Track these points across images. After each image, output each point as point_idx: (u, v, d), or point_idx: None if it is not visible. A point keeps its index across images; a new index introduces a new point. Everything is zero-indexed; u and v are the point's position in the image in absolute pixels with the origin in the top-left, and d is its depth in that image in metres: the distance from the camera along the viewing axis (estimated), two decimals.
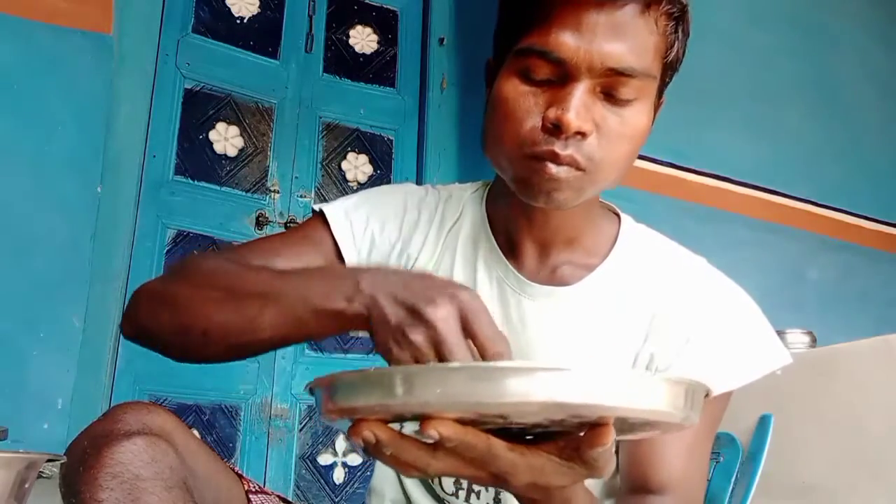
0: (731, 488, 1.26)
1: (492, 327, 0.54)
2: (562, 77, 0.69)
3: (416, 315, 0.53)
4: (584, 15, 0.67)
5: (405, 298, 0.55)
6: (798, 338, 1.68)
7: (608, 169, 0.71)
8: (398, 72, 2.70)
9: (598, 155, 0.70)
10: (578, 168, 0.69)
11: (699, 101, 2.53)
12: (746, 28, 2.77)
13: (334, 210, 0.87)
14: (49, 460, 0.61)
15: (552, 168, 0.69)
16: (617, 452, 0.79)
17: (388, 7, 2.74)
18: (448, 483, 0.84)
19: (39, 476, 0.62)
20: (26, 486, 0.59)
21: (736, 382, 0.76)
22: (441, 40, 2.73)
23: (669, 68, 0.74)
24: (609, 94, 0.70)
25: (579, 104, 0.68)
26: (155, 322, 0.72)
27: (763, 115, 2.73)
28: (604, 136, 0.70)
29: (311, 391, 0.51)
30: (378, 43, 2.70)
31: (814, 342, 1.70)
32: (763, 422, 1.32)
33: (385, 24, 2.73)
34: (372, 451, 0.49)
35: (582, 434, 0.48)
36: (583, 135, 0.68)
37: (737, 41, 2.71)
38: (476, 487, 0.83)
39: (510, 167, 0.72)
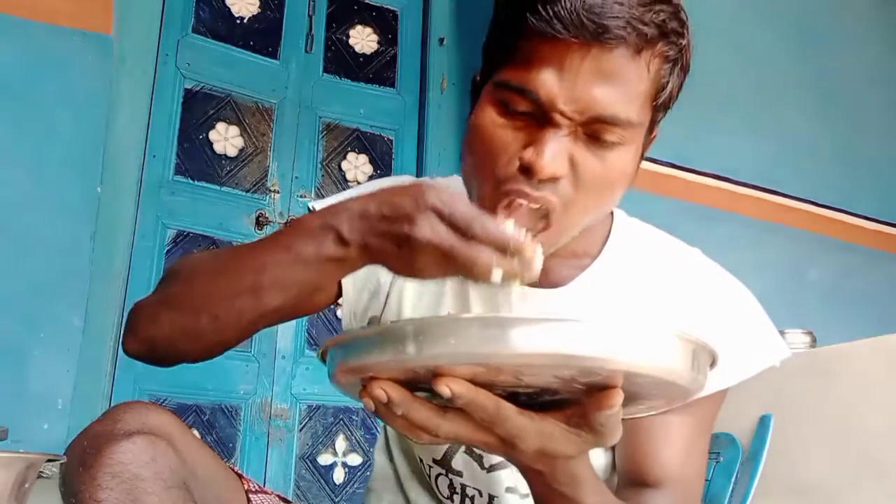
0: (731, 488, 1.26)
1: (464, 212, 0.54)
2: (540, 116, 0.65)
3: (407, 241, 0.54)
4: (569, 56, 0.62)
5: (388, 230, 0.56)
6: (798, 338, 1.68)
7: (584, 211, 0.68)
8: (398, 72, 2.70)
9: (572, 197, 0.66)
10: (552, 209, 0.66)
11: (699, 101, 2.52)
12: (747, 28, 2.77)
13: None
14: (49, 460, 0.61)
15: (526, 204, 0.66)
16: (613, 447, 0.79)
17: (388, 7, 2.74)
18: (444, 487, 0.84)
19: (39, 476, 0.62)
20: (26, 486, 0.59)
21: (734, 378, 0.76)
22: (441, 40, 2.73)
23: (661, 108, 0.70)
24: (591, 137, 0.65)
25: (556, 149, 0.64)
26: (159, 328, 0.70)
27: (763, 115, 2.73)
28: (580, 178, 0.66)
29: (323, 356, 0.51)
30: (378, 43, 2.70)
31: (814, 342, 1.70)
32: (763, 422, 1.32)
33: (385, 24, 2.73)
34: (382, 414, 0.49)
35: (589, 399, 0.48)
36: (555, 179, 0.65)
37: (737, 41, 2.71)
38: (469, 493, 0.82)
39: (485, 200, 0.69)
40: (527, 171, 0.65)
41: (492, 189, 0.68)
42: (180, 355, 0.71)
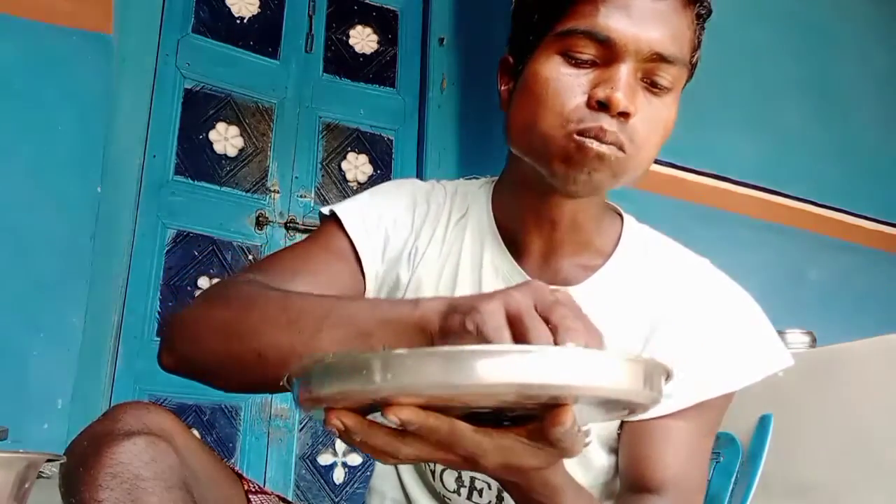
0: (731, 488, 1.26)
1: (532, 314, 0.51)
2: (607, 59, 0.70)
3: (469, 311, 0.53)
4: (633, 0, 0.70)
5: (461, 303, 0.55)
6: (798, 338, 1.68)
7: (645, 154, 0.73)
8: (398, 72, 2.70)
9: (638, 138, 0.71)
10: (621, 149, 0.70)
11: (699, 101, 2.52)
12: (746, 27, 2.76)
13: (348, 211, 0.86)
14: (49, 460, 0.61)
15: (596, 145, 0.69)
16: (616, 451, 0.79)
17: (388, 7, 2.74)
18: (450, 480, 0.84)
19: (39, 476, 0.62)
20: (26, 486, 0.59)
21: (737, 384, 0.76)
22: (441, 40, 2.73)
23: (692, 69, 0.76)
24: (648, 82, 0.72)
25: (626, 85, 0.69)
26: (201, 350, 0.68)
27: (763, 114, 2.73)
28: (643, 120, 0.71)
29: (289, 382, 0.51)
30: (378, 43, 2.70)
31: (814, 342, 1.70)
32: (763, 422, 1.32)
33: (385, 24, 2.73)
34: (344, 439, 0.50)
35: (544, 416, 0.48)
36: (627, 116, 0.70)
37: (737, 40, 2.71)
38: (478, 485, 0.82)
39: (550, 147, 0.72)
40: (602, 107, 0.69)
41: (563, 132, 0.71)
42: (217, 383, 0.70)
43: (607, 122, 0.69)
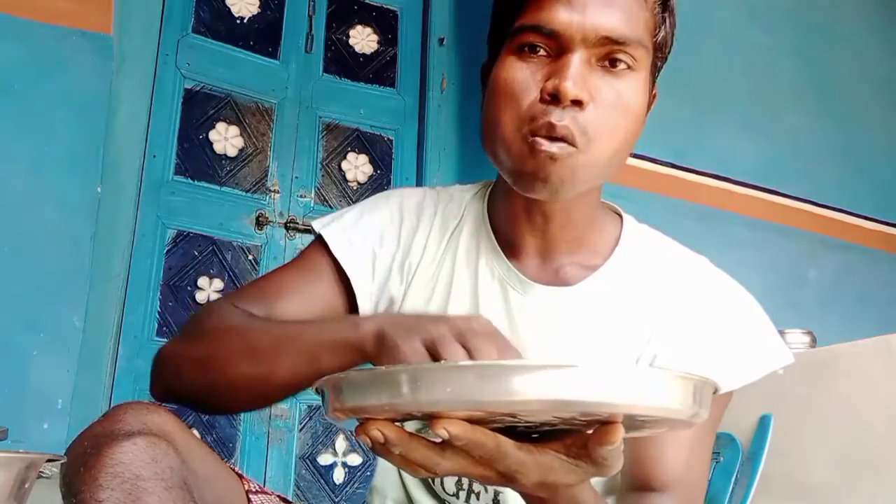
0: (731, 488, 1.26)
1: (487, 344, 0.54)
2: (557, 50, 0.70)
3: (417, 330, 0.56)
4: None
5: (408, 324, 0.57)
6: (798, 338, 1.68)
7: (603, 145, 0.70)
8: (398, 72, 2.70)
9: (592, 127, 0.69)
10: (572, 144, 0.69)
11: (699, 101, 2.53)
12: (746, 27, 2.77)
13: (333, 233, 0.86)
14: (49, 460, 0.61)
15: (546, 145, 0.68)
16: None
17: (388, 7, 2.74)
18: (449, 483, 0.84)
19: (39, 476, 0.62)
20: (26, 486, 0.59)
21: (738, 382, 0.76)
22: (441, 40, 2.73)
23: (659, 50, 0.75)
24: (604, 64, 0.70)
25: (576, 73, 0.68)
26: (182, 384, 0.75)
27: (763, 115, 2.73)
28: (599, 107, 0.70)
29: (318, 391, 0.51)
30: (378, 43, 2.70)
31: (814, 342, 1.71)
32: (763, 422, 1.32)
33: (385, 24, 2.73)
34: (380, 451, 0.49)
35: (590, 432, 0.47)
36: (580, 104, 0.68)
37: (737, 41, 2.71)
38: (476, 488, 0.82)
39: (507, 153, 0.72)
40: (551, 100, 0.68)
41: (517, 135, 0.71)
42: (204, 409, 0.77)
43: (557, 116, 0.68)
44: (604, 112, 0.70)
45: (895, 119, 3.05)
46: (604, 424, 0.46)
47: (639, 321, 0.79)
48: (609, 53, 0.70)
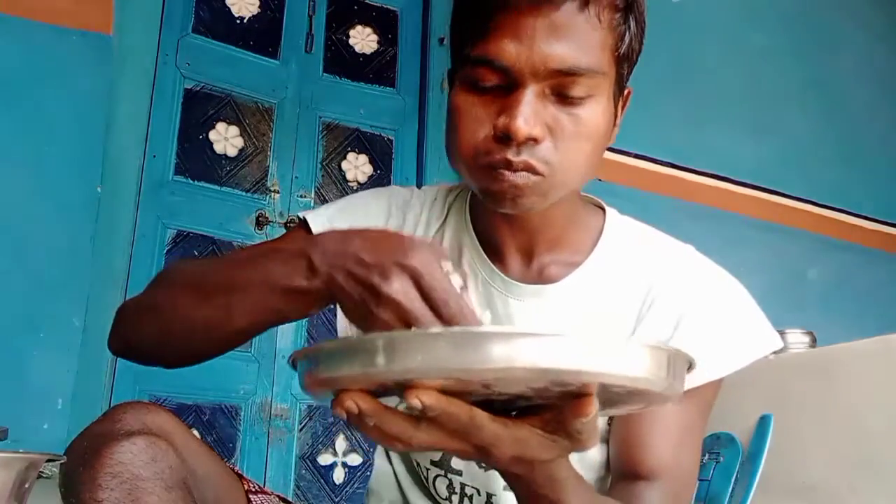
0: (731, 488, 1.26)
1: (445, 287, 0.54)
2: (508, 84, 0.68)
3: (373, 291, 0.55)
4: (522, 20, 0.66)
5: (359, 274, 0.56)
6: (798, 338, 1.68)
7: (568, 171, 0.70)
8: (398, 72, 2.70)
9: (554, 158, 0.68)
10: (536, 173, 0.68)
11: (699, 101, 2.53)
12: (746, 28, 2.77)
13: (317, 218, 0.87)
14: (49, 460, 0.61)
15: (509, 175, 0.68)
16: (607, 441, 0.79)
17: (388, 7, 2.74)
18: (442, 487, 0.84)
19: (39, 476, 0.62)
20: (26, 486, 0.59)
21: (728, 368, 0.76)
22: (441, 40, 2.73)
23: (625, 60, 0.72)
24: (560, 95, 0.68)
25: (528, 110, 0.66)
26: (138, 333, 0.75)
27: (763, 115, 2.73)
28: (558, 138, 0.68)
29: (293, 364, 0.51)
30: (378, 43, 2.70)
31: (814, 342, 1.70)
32: (763, 422, 1.32)
33: (385, 24, 2.73)
34: (355, 423, 0.49)
35: (565, 406, 0.47)
36: (535, 140, 0.67)
37: (737, 41, 2.72)
38: (469, 491, 0.82)
39: (471, 177, 0.72)
40: (504, 137, 0.67)
41: (476, 164, 0.70)
42: (157, 360, 0.75)
43: (513, 153, 0.67)
44: (563, 142, 0.69)
45: (895, 119, 3.05)
46: (577, 397, 0.46)
47: (624, 313, 0.79)
48: (562, 85, 0.67)
